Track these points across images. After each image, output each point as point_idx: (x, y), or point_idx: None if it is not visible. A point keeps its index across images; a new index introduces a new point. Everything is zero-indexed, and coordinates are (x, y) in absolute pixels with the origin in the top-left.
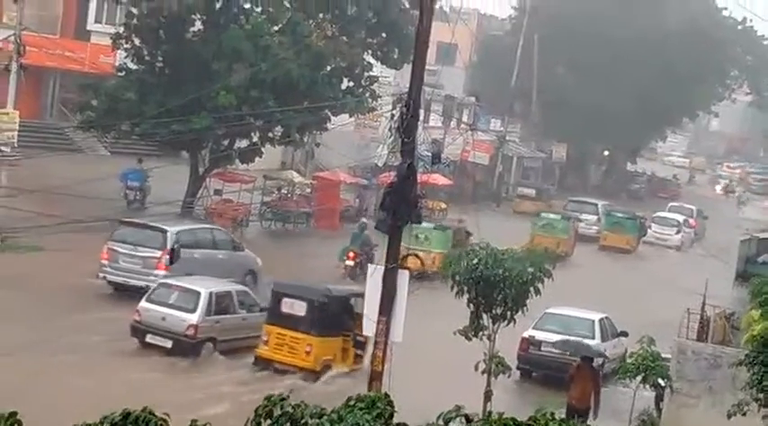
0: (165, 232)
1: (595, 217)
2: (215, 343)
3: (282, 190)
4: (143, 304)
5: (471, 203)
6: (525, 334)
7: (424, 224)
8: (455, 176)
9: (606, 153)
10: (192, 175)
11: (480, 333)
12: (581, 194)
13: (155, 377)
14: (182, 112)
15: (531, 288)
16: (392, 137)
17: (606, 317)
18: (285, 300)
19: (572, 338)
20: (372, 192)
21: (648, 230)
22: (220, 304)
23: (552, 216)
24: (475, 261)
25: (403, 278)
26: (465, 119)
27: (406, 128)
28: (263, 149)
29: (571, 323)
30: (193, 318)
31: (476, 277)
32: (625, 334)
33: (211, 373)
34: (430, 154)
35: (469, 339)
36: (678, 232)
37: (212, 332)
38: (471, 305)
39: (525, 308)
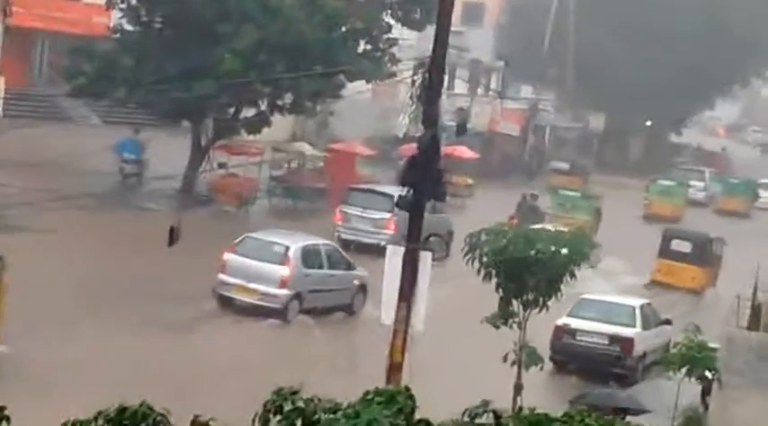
0: (392, 196)
1: (702, 184)
2: None
3: (293, 164)
4: None
5: (500, 178)
6: (559, 322)
7: (570, 191)
8: (482, 148)
9: (648, 123)
10: (194, 147)
11: (510, 321)
12: (621, 168)
13: None
14: (183, 78)
15: (567, 272)
16: (413, 106)
17: (648, 303)
18: (674, 241)
19: (596, 391)
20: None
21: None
22: None
23: (667, 182)
24: (504, 241)
25: (425, 260)
26: (493, 85)
27: (429, 95)
28: (271, 119)
29: (609, 309)
30: None
31: (505, 259)
32: (669, 322)
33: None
34: (455, 124)
35: (498, 327)
36: None
37: None
38: (500, 290)
39: (559, 294)
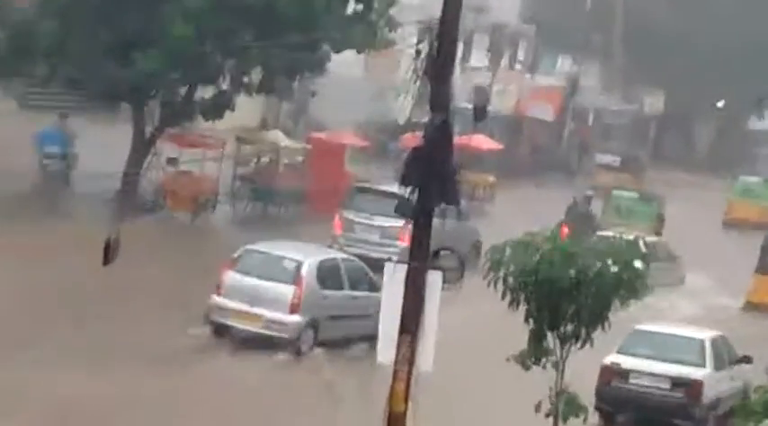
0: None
1: None
2: None
3: (264, 159)
4: None
5: (530, 175)
6: (607, 361)
7: (626, 192)
8: (507, 137)
9: (720, 104)
10: (136, 138)
11: (543, 360)
12: (685, 162)
13: None
14: (121, 49)
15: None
16: (418, 83)
17: (721, 336)
18: None
19: None
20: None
21: None
22: None
23: (754, 179)
24: (535, 257)
25: (435, 281)
26: (521, 56)
27: (438, 69)
28: (235, 101)
29: (671, 344)
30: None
31: (537, 280)
32: (748, 360)
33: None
34: (471, 106)
35: (528, 367)
36: None
37: None
38: (530, 320)
39: (606, 324)
